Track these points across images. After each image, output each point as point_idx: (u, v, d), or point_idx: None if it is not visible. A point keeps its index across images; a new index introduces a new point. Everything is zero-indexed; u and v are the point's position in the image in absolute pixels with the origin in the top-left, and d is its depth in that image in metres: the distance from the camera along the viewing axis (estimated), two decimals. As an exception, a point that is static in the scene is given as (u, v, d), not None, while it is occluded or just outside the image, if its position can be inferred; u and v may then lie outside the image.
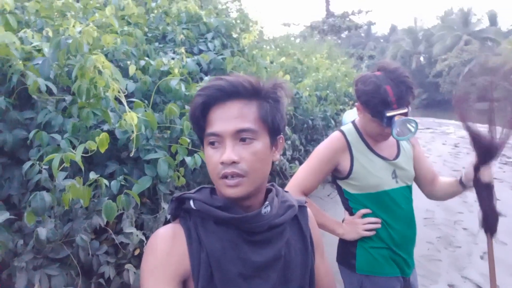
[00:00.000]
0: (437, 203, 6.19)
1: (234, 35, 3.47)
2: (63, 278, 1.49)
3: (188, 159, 1.95)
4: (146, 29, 3.01)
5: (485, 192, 1.65)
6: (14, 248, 1.43)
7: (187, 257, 0.85)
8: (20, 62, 1.61)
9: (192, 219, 0.90)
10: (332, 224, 1.76)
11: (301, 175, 1.74)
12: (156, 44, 2.95)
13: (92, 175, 1.44)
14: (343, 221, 1.82)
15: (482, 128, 1.66)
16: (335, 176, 1.80)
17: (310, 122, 4.26)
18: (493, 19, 48.00)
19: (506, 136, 1.61)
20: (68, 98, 1.75)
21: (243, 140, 0.85)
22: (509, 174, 8.71)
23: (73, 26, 1.95)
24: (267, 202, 0.92)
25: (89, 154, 1.49)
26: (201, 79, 2.82)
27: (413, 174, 1.82)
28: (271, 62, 3.72)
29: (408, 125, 1.58)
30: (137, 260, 2.02)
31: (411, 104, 1.63)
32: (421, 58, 53.06)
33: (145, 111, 1.95)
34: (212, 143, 0.86)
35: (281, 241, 0.93)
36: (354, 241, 1.75)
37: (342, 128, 1.81)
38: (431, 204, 7.01)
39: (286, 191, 1.04)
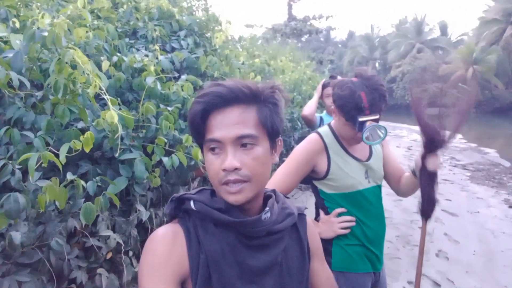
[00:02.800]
0: (394, 204, 6.47)
1: (207, 34, 3.43)
2: (34, 284, 1.41)
3: (165, 160, 1.90)
4: (116, 24, 2.90)
5: (427, 179, 1.73)
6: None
7: (186, 258, 0.85)
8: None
9: (191, 220, 0.89)
10: None
11: (280, 176, 1.76)
12: (127, 40, 2.86)
13: (69, 176, 1.37)
14: (317, 220, 1.87)
15: (432, 119, 1.71)
16: (311, 177, 1.84)
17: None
18: (444, 29, 50.85)
19: (453, 128, 1.68)
20: (39, 93, 1.65)
21: (244, 145, 0.85)
22: (459, 176, 9.25)
23: (42, 17, 1.85)
24: (267, 208, 0.91)
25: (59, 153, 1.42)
26: (175, 77, 2.77)
27: (382, 174, 1.91)
28: (243, 63, 3.71)
29: (378, 131, 1.65)
30: (108, 264, 1.94)
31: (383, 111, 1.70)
32: (377, 64, 55.17)
33: (120, 109, 1.88)
34: (212, 149, 0.85)
35: (278, 248, 0.93)
36: (330, 239, 1.80)
37: (319, 130, 1.86)
38: (389, 204, 7.30)
39: (287, 197, 1.05)
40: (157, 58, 2.54)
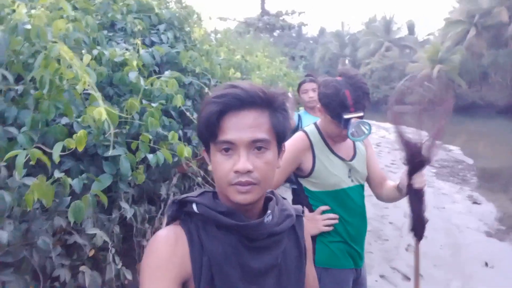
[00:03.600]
0: (366, 199, 6.66)
1: (186, 29, 3.39)
2: (17, 283, 1.37)
3: (150, 157, 1.89)
4: (94, 16, 2.82)
5: (415, 198, 1.72)
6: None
7: (189, 260, 0.86)
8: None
9: (193, 222, 0.90)
10: None
11: None
12: (105, 32, 2.78)
13: (57, 174, 1.33)
14: None
15: (411, 137, 1.72)
16: (296, 174, 1.88)
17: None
18: (411, 28, 52.31)
19: (433, 144, 1.68)
20: (19, 87, 1.60)
21: (258, 149, 0.86)
22: (425, 172, 9.60)
23: (17, 7, 1.78)
24: (269, 211, 0.93)
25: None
26: (155, 71, 2.73)
27: (365, 174, 1.96)
28: (223, 59, 3.70)
29: (362, 127, 1.71)
30: (91, 262, 1.91)
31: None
32: (347, 61, 56.13)
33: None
34: (225, 150, 0.86)
35: (279, 249, 0.95)
36: (314, 236, 1.84)
37: (305, 129, 1.91)
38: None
39: (285, 198, 1.07)
40: (138, 52, 2.50)
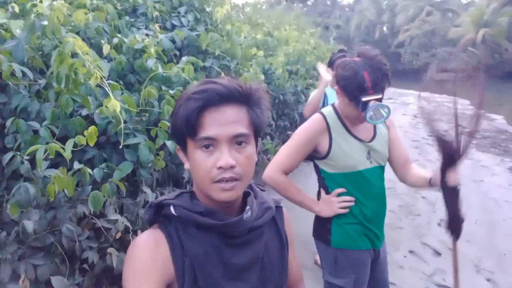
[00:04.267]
0: (399, 174, 6.53)
1: (207, 9, 3.38)
2: (48, 267, 1.49)
3: (169, 143, 1.94)
4: (115, 1, 2.87)
5: (450, 196, 1.68)
6: (-4, 239, 1.40)
7: (171, 263, 0.86)
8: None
9: (172, 224, 0.89)
10: (309, 202, 1.87)
11: (283, 155, 1.82)
12: (127, 18, 2.83)
13: (76, 165, 1.42)
14: (318, 198, 1.92)
15: (446, 133, 1.67)
16: (313, 156, 1.88)
17: (281, 97, 4.29)
18: (454, -10, 49.01)
19: (468, 141, 1.64)
20: (42, 81, 1.68)
21: (238, 144, 0.86)
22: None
23: (41, 1, 1.85)
24: (248, 207, 0.92)
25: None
26: (176, 55, 2.76)
27: (387, 155, 1.93)
28: (245, 38, 3.68)
29: (381, 110, 1.67)
30: (118, 243, 2.03)
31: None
32: (384, 28, 53.76)
33: (122, 93, 1.90)
34: (206, 146, 0.85)
35: (260, 243, 0.95)
36: (329, 217, 1.85)
37: (323, 110, 1.88)
38: (393, 174, 7.34)
39: (263, 190, 1.06)
40: (157, 38, 2.53)
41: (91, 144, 1.44)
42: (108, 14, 2.39)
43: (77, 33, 2.09)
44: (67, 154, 1.28)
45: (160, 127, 1.96)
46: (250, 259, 0.92)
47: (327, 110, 1.87)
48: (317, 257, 3.29)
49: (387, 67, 1.70)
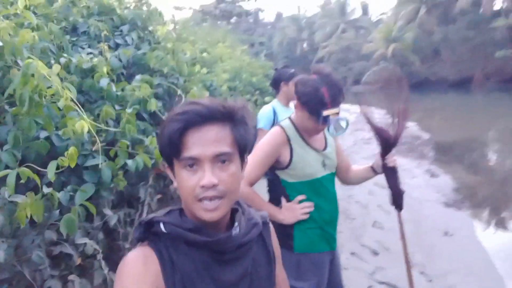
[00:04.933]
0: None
1: (150, 28, 3.39)
2: (13, 299, 1.41)
3: (129, 162, 1.94)
4: (54, 21, 2.77)
5: (391, 175, 2.02)
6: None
7: (161, 279, 0.86)
8: None
9: (162, 241, 0.91)
10: (273, 211, 1.98)
11: (248, 168, 1.90)
12: (67, 37, 2.75)
13: (46, 189, 1.37)
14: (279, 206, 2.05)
15: (380, 122, 2.01)
16: (274, 167, 2.00)
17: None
18: (365, 9, 53.43)
19: (400, 129, 1.98)
20: (-6, 104, 1.60)
21: (222, 162, 0.88)
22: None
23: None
24: (236, 224, 0.95)
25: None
26: (122, 74, 2.74)
27: (336, 162, 2.12)
28: (188, 55, 3.72)
29: (341, 123, 1.85)
30: (78, 270, 1.96)
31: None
32: (305, 45, 56.66)
33: (78, 114, 1.87)
34: (190, 166, 0.87)
35: (248, 259, 0.97)
36: (291, 224, 1.98)
37: (282, 124, 2.03)
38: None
39: (249, 206, 1.08)
40: (104, 57, 2.50)
41: (72, 165, 1.40)
42: (52, 33, 2.32)
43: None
44: (51, 177, 1.24)
45: (120, 147, 1.95)
46: (238, 275, 0.94)
47: (285, 123, 2.01)
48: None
49: (341, 82, 1.91)
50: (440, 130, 12.80)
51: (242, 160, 0.95)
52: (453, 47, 38.81)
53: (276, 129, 1.99)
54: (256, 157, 1.91)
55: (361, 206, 5.76)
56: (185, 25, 9.93)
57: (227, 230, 0.95)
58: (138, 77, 2.30)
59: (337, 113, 1.83)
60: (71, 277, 1.82)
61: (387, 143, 1.98)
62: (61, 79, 2.13)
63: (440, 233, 4.83)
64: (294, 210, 1.97)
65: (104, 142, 2.09)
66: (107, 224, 2.13)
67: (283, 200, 2.03)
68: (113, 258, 2.33)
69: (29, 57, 1.46)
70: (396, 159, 2.04)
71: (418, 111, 18.68)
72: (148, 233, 0.92)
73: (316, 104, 1.81)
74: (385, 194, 6.64)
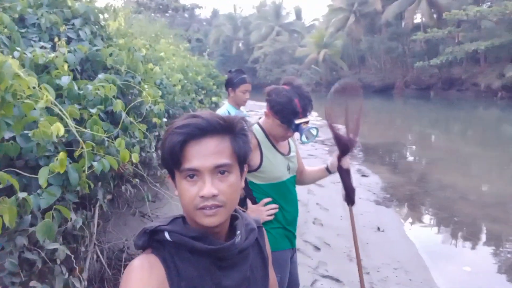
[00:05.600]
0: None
1: (102, 23, 3.26)
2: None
3: (95, 164, 1.88)
4: (1, 10, 2.56)
5: (345, 175, 2.24)
6: None
7: (167, 286, 0.89)
8: None
9: (166, 249, 0.93)
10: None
11: None
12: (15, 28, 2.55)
13: (21, 194, 1.31)
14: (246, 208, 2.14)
15: (341, 130, 2.20)
16: None
17: (170, 111, 4.36)
18: (298, 13, 55.23)
19: (356, 134, 2.19)
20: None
21: (221, 173, 0.92)
22: (320, 151, 10.60)
23: None
24: (238, 232, 0.99)
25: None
26: (78, 71, 2.62)
27: (297, 166, 2.26)
28: (144, 55, 3.62)
29: (311, 131, 1.99)
30: (38, 275, 1.86)
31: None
32: (240, 44, 57.03)
33: (40, 114, 1.78)
34: (190, 176, 0.91)
35: (246, 264, 1.02)
36: None
37: (252, 128, 2.10)
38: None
39: (244, 211, 1.17)
40: (57, 52, 2.37)
41: (62, 171, 1.34)
42: (3, 24, 2.16)
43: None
44: (43, 182, 1.18)
45: (85, 148, 1.89)
46: (238, 279, 0.98)
47: (255, 128, 2.11)
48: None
49: (310, 94, 2.06)
50: (366, 133, 13.68)
51: (242, 170, 0.99)
52: (377, 55, 41.74)
53: None
54: None
55: (301, 205, 6.02)
56: (125, 17, 9.50)
57: (227, 236, 1.00)
58: (101, 75, 2.23)
59: (307, 122, 1.97)
60: (32, 283, 1.74)
61: (345, 147, 2.17)
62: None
63: (373, 229, 5.24)
64: (260, 212, 2.08)
65: (66, 144, 2.00)
66: (65, 227, 2.05)
67: (249, 202, 2.13)
68: (71, 262, 2.25)
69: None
70: (349, 161, 2.24)
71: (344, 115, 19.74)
72: (151, 241, 0.94)
73: (289, 113, 1.93)
74: (322, 193, 7.07)
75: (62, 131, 1.44)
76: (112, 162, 1.93)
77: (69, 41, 2.80)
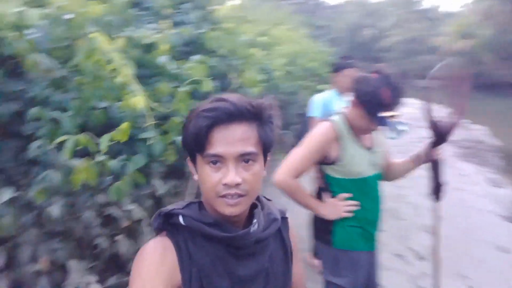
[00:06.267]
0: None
1: (211, 8, 3.43)
2: (65, 251, 1.54)
3: (179, 139, 2.00)
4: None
5: (435, 167, 2.05)
6: (18, 222, 1.44)
7: (178, 271, 0.88)
8: (13, 34, 1.54)
9: (180, 233, 0.92)
10: (316, 205, 1.97)
11: (294, 161, 1.90)
12: (131, 11, 2.84)
13: (100, 157, 1.47)
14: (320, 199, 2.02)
15: (436, 115, 2.00)
16: (320, 161, 1.97)
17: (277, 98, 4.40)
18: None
19: (454, 124, 1.95)
20: (63, 72, 1.71)
21: (245, 161, 0.88)
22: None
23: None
24: (255, 220, 0.95)
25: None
26: (181, 53, 2.80)
27: (383, 162, 2.05)
28: (248, 38, 3.73)
29: (399, 127, 1.80)
30: (126, 231, 2.09)
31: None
32: (368, 32, 54.43)
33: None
34: (213, 162, 0.87)
35: (265, 254, 0.98)
36: (332, 220, 1.95)
37: (333, 118, 1.98)
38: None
39: (269, 200, 1.07)
40: (165, 34, 2.57)
41: (123, 139, 1.49)
42: (117, 7, 2.41)
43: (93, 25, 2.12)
44: (103, 148, 1.33)
45: (171, 124, 2.02)
46: (255, 270, 0.95)
47: (337, 118, 1.96)
48: (308, 255, 3.38)
49: (402, 85, 1.84)
50: (510, 137, 11.84)
51: (265, 159, 0.95)
52: (534, 47, 35.47)
53: (326, 124, 1.95)
54: (303, 151, 1.90)
55: (412, 207, 5.55)
56: (247, 4, 9.86)
57: (245, 225, 0.96)
58: (196, 57, 2.35)
59: (394, 116, 1.77)
60: (118, 237, 1.95)
61: (440, 136, 1.96)
62: (124, 53, 2.24)
63: (493, 247, 4.54)
64: (337, 207, 1.94)
65: (158, 117, 2.18)
66: (155, 193, 2.25)
67: (326, 195, 2.01)
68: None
69: (95, 31, 1.55)
70: (442, 152, 2.05)
71: (489, 115, 17.36)
72: (167, 224, 0.93)
73: (374, 104, 1.76)
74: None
75: (141, 104, 1.55)
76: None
77: (177, 24, 3.02)
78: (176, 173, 2.60)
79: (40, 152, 1.43)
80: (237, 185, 0.86)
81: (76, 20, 1.55)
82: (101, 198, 1.60)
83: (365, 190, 1.96)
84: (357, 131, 1.92)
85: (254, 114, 0.89)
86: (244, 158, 0.88)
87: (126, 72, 1.53)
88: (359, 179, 1.94)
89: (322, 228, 2.03)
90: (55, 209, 1.37)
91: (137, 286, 0.84)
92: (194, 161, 0.93)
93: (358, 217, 1.95)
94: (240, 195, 0.87)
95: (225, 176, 0.86)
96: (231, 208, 0.88)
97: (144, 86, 2.26)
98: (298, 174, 1.89)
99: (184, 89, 2.13)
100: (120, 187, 1.48)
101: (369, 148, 1.97)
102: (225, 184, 0.86)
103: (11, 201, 1.38)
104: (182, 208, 0.93)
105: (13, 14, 1.47)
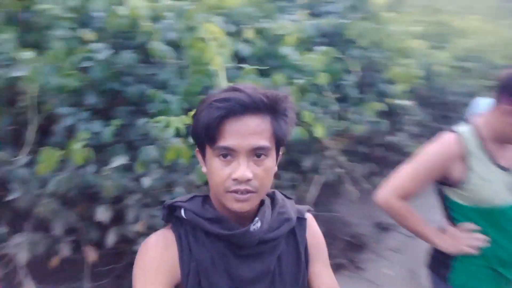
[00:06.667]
0: None
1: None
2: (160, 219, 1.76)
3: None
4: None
5: None
6: (127, 187, 1.71)
7: (178, 265, 0.88)
8: (147, 24, 1.80)
9: (183, 227, 0.91)
10: (430, 233, 1.60)
11: (403, 177, 1.57)
12: (277, 3, 2.90)
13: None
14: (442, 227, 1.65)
15: None
16: (439, 181, 1.60)
17: (440, 97, 3.85)
18: None
19: None
20: (182, 61, 1.92)
21: (257, 156, 0.83)
22: None
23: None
24: (257, 218, 0.90)
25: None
26: (318, 43, 2.73)
27: None
28: (404, 29, 3.35)
29: None
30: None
31: None
32: None
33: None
34: (223, 156, 0.83)
35: (272, 256, 0.92)
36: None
37: (458, 130, 1.56)
38: None
39: (290, 198, 1.00)
40: (301, 24, 2.54)
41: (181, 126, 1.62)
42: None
43: (226, 16, 2.28)
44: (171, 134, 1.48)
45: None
46: (258, 272, 0.90)
47: (465, 130, 1.54)
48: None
49: None
50: None
51: (277, 154, 0.90)
52: None
53: (448, 137, 1.55)
54: (415, 167, 1.55)
55: None
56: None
57: (252, 222, 0.90)
58: (320, 48, 2.26)
59: None
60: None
61: None
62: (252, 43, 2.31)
63: None
64: (458, 239, 1.54)
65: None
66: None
67: (447, 223, 1.65)
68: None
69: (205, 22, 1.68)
70: None
71: None
72: (171, 217, 0.93)
73: None
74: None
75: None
76: (301, 132, 1.99)
77: (322, 14, 2.95)
78: (294, 166, 2.59)
79: (147, 128, 1.65)
80: (248, 180, 0.82)
81: (192, 11, 1.70)
82: (192, 177, 1.74)
83: (499, 222, 1.52)
84: (495, 144, 1.52)
85: (269, 106, 0.84)
86: (256, 153, 0.83)
87: (217, 62, 1.60)
88: (490, 209, 1.51)
89: (439, 260, 1.65)
90: (146, 181, 1.57)
91: (139, 278, 0.86)
92: (203, 153, 0.89)
93: (488, 255, 1.53)
94: (250, 191, 0.83)
95: (235, 171, 0.82)
96: (240, 204, 0.84)
97: (265, 76, 2.32)
98: (406, 195, 1.56)
99: (299, 81, 2.09)
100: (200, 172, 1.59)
101: (507, 169, 1.52)
102: (235, 179, 0.82)
103: (122, 168, 1.64)
104: (186, 201, 0.92)
105: (145, 7, 1.71)
